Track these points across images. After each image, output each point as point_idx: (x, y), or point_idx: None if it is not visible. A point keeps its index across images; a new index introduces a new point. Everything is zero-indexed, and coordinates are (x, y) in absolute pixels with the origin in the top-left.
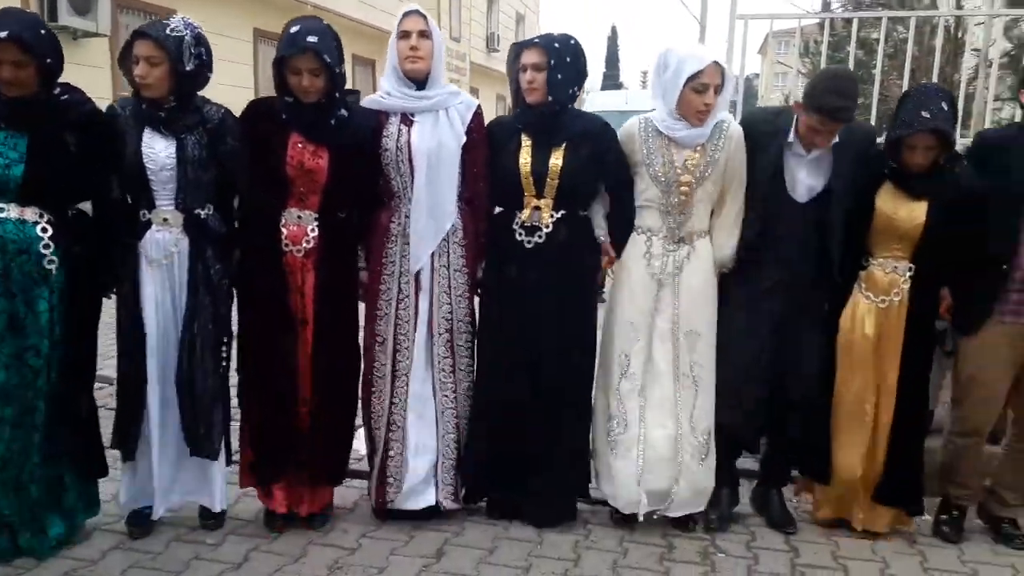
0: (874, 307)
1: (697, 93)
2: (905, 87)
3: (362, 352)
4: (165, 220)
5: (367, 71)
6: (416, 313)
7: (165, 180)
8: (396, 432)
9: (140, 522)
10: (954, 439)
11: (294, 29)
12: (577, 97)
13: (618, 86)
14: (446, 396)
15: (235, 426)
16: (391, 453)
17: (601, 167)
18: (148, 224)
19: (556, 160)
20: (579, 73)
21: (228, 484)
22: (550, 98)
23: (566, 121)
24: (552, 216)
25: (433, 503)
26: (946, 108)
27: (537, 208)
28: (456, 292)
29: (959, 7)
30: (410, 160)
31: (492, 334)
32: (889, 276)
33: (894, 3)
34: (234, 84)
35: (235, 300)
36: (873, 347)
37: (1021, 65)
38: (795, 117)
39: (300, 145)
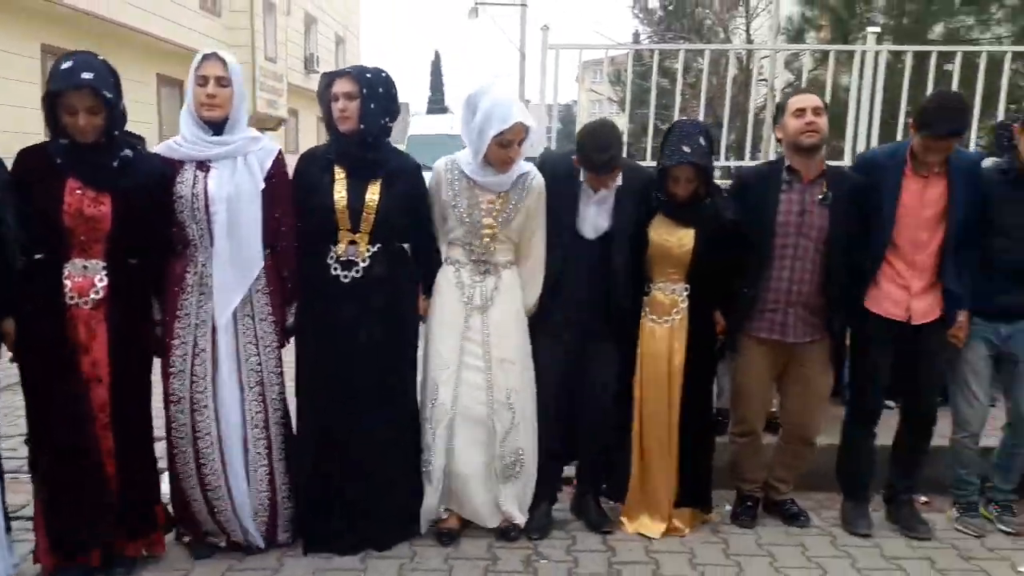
0: (658, 327)
1: (502, 147)
2: (702, 115)
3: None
4: None
5: (174, 92)
6: (215, 368)
7: None
8: (216, 492)
9: None
10: (735, 439)
11: (66, 65)
12: (390, 130)
13: (443, 110)
14: (259, 453)
15: None
16: (217, 511)
17: (412, 204)
18: None
19: (372, 195)
20: (390, 104)
21: None
22: (362, 126)
23: (382, 155)
24: (368, 250)
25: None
26: (703, 143)
27: (353, 243)
28: (264, 343)
29: (749, 42)
30: (207, 207)
31: (311, 372)
32: (669, 298)
33: (693, 36)
34: (19, 104)
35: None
36: (664, 364)
37: (776, 101)
38: None
39: (79, 192)
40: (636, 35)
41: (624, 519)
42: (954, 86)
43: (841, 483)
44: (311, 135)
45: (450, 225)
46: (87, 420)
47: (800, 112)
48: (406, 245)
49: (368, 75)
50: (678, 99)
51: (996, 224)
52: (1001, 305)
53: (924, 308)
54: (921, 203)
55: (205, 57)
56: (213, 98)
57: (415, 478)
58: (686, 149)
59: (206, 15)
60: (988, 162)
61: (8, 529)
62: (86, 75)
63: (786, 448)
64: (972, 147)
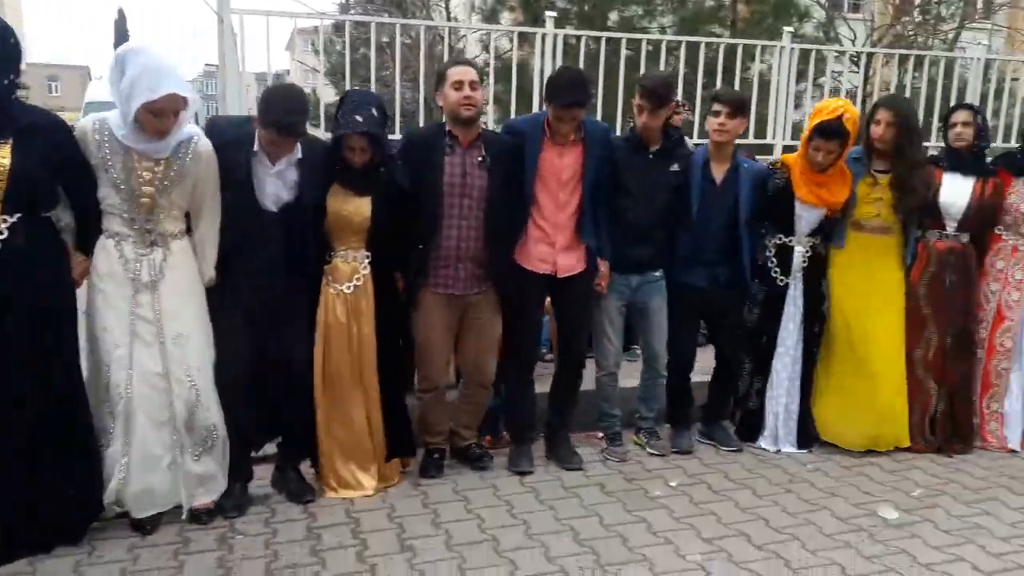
0: (341, 294)
1: (153, 115)
2: (422, 91)
3: None
4: None
5: None
6: None
7: None
8: None
9: None
10: (421, 396)
11: None
12: (15, 89)
13: None
14: None
15: None
16: None
17: (58, 166)
18: None
19: (3, 158)
20: (8, 59)
21: None
22: None
23: (11, 115)
24: (5, 221)
25: None
26: (376, 113)
27: None
28: None
29: (450, 20)
30: None
31: None
32: (350, 265)
33: (394, 10)
34: None
35: None
36: (347, 329)
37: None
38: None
39: None
40: (345, 4)
41: (327, 486)
42: (622, 70)
43: (509, 430)
44: None
45: (103, 192)
46: None
47: (459, 84)
48: (54, 214)
49: None
50: (373, 72)
51: (623, 187)
52: (630, 259)
53: (568, 263)
54: (559, 167)
55: None
56: None
57: (86, 464)
58: (359, 119)
59: None
60: None
61: None
62: None
63: (467, 395)
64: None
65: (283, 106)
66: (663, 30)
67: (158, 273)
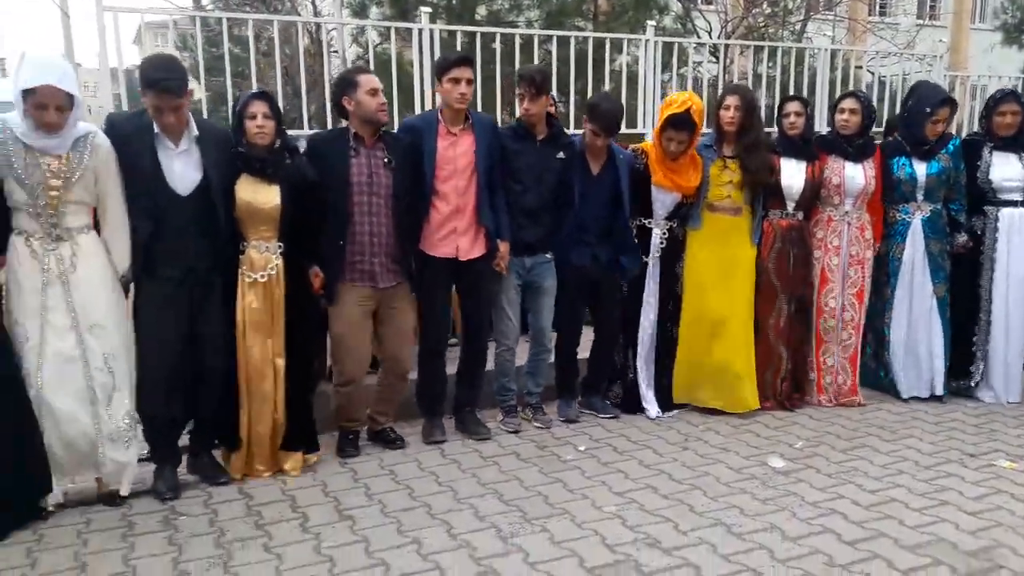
0: (256, 283)
1: (37, 109)
2: (279, 84)
3: None
4: None
5: None
6: None
7: None
8: None
9: None
10: (339, 389)
11: None
12: None
13: None
14: None
15: None
16: None
17: None
18: None
19: None
20: None
21: None
22: None
23: None
24: None
25: None
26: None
27: None
28: None
29: (316, 14)
30: None
31: None
32: (264, 255)
33: (259, 5)
34: None
35: None
36: (261, 318)
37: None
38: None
39: None
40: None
41: (233, 467)
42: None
43: (421, 406)
44: None
45: (9, 188)
46: None
47: (374, 92)
48: None
49: None
50: (254, 68)
51: (513, 173)
52: (523, 241)
53: (468, 246)
54: (454, 155)
55: None
56: None
57: (20, 452)
58: (254, 91)
59: None
60: None
61: None
62: None
63: (385, 383)
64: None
65: (157, 66)
66: (529, 24)
67: (68, 267)
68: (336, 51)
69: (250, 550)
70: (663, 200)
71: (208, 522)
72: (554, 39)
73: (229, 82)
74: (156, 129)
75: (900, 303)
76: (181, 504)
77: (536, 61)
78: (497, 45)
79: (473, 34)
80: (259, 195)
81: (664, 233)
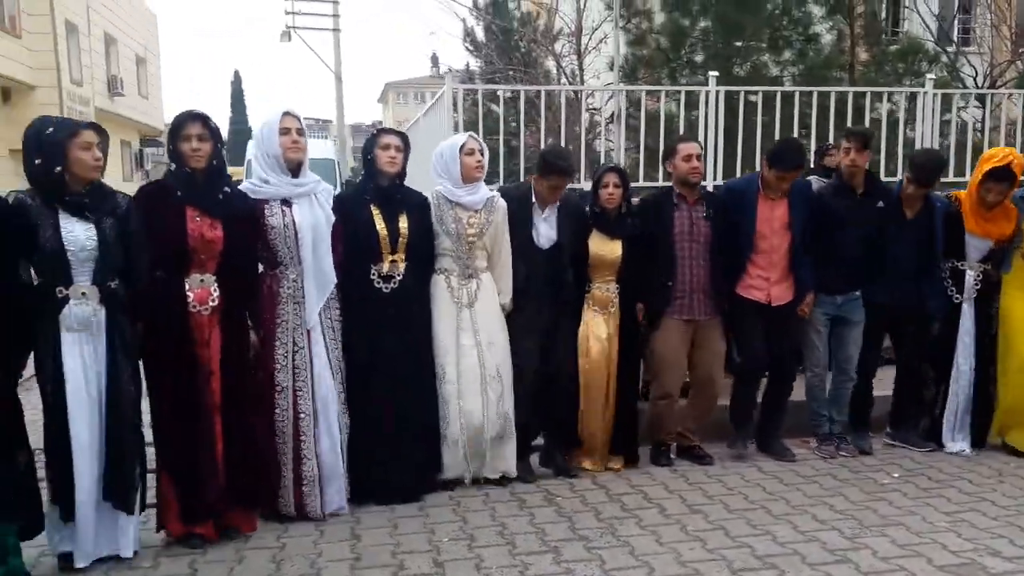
0: (599, 317)
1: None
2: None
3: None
4: (83, 294)
5: None
6: (311, 361)
7: (84, 259)
8: (308, 464)
9: (69, 561)
10: (657, 402)
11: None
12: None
13: (245, 132)
14: (340, 427)
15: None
16: (305, 481)
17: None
18: (66, 299)
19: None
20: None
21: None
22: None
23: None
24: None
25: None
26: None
27: (393, 262)
28: (338, 340)
29: (581, 77)
30: (296, 235)
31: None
32: (606, 295)
33: (521, 69)
34: None
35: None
36: (605, 345)
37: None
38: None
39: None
40: (467, 66)
41: (577, 464)
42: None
43: (733, 422)
44: (115, 160)
45: (440, 240)
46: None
47: (688, 157)
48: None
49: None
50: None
51: (836, 224)
52: (837, 282)
53: (779, 293)
54: (772, 218)
55: (285, 113)
56: (297, 143)
57: (433, 441)
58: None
59: (5, 36)
60: (815, 181)
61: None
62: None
63: (696, 402)
64: None
65: (560, 155)
66: (794, 79)
67: (476, 298)
68: (596, 108)
69: (627, 526)
70: (976, 245)
71: (580, 502)
72: (815, 93)
73: (502, 139)
74: (533, 199)
75: None
76: (523, 490)
77: (796, 112)
78: (758, 99)
79: (756, 93)
80: (605, 249)
81: (978, 275)
